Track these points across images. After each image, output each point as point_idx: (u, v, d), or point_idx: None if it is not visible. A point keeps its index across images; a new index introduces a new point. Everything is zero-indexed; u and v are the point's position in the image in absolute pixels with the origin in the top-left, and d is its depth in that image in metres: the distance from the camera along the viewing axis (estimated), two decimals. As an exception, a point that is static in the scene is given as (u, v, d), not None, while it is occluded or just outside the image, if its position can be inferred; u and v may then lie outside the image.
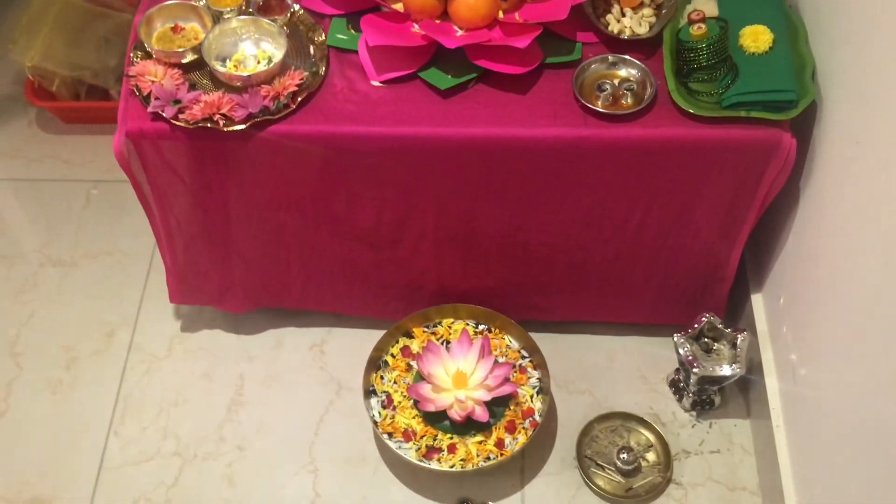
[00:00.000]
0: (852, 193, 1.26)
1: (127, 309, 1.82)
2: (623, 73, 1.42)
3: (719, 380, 1.56)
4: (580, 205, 1.49)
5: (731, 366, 1.53)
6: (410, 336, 1.68)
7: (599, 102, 1.38)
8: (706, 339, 1.58)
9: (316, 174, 1.45)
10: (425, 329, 1.68)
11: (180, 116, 1.36)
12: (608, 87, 1.39)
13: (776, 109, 1.33)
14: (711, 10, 1.45)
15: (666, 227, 1.52)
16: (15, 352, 1.77)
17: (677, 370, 1.67)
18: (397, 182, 1.46)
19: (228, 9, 1.45)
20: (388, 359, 1.65)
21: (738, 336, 1.54)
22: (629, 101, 1.38)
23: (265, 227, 1.57)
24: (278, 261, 1.64)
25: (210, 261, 1.64)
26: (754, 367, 1.58)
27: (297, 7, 1.48)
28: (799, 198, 1.45)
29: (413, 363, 1.64)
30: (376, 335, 1.66)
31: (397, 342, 1.67)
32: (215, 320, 1.80)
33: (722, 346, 1.57)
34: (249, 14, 1.45)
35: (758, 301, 1.62)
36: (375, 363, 1.64)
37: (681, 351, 1.54)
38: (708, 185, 1.42)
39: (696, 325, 1.57)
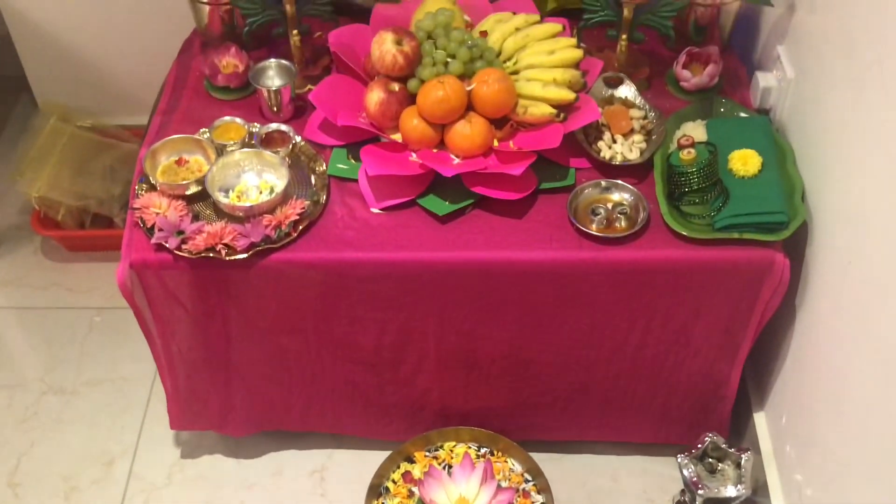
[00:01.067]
0: (847, 312, 1.27)
1: (127, 437, 1.81)
2: (616, 197, 1.46)
3: (725, 501, 1.53)
4: (579, 325, 1.50)
5: (736, 486, 1.51)
6: (412, 461, 1.66)
7: (594, 226, 1.41)
8: (710, 460, 1.56)
9: (317, 299, 1.47)
10: (427, 453, 1.67)
11: (183, 247, 1.38)
12: (602, 210, 1.42)
13: (768, 231, 1.36)
14: (700, 135, 1.49)
15: (665, 347, 1.52)
16: (14, 482, 1.75)
17: (682, 491, 1.65)
18: (398, 305, 1.48)
19: (232, 142, 1.49)
20: (390, 485, 1.63)
21: (742, 456, 1.53)
22: (623, 224, 1.41)
23: (266, 351, 1.57)
24: (280, 384, 1.64)
25: (211, 386, 1.64)
26: (760, 487, 1.56)
27: (298, 139, 1.53)
28: (795, 316, 1.46)
29: (415, 489, 1.62)
30: (378, 457, 1.64)
31: (398, 467, 1.65)
32: (216, 446, 1.79)
33: (726, 466, 1.56)
34: (252, 146, 1.49)
35: (760, 419, 1.61)
36: (377, 490, 1.62)
37: (685, 472, 1.53)
38: (704, 305, 1.44)
39: (699, 446, 1.55)
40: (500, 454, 1.66)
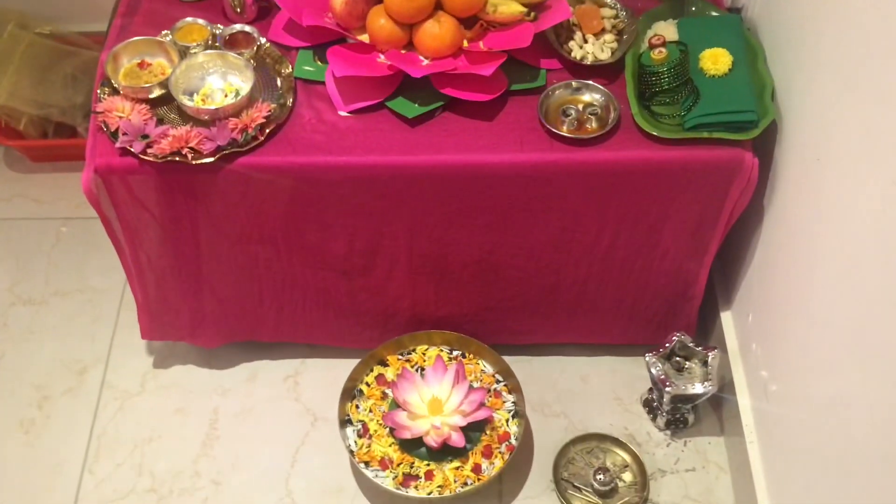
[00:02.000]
0: (814, 210, 1.28)
1: (98, 347, 1.81)
2: (587, 97, 1.45)
3: (692, 398, 1.57)
4: (549, 228, 1.50)
5: (702, 384, 1.54)
6: (385, 364, 1.68)
7: (564, 127, 1.40)
8: (678, 359, 1.59)
9: (286, 205, 1.46)
10: (400, 357, 1.69)
11: (148, 151, 1.36)
12: (573, 111, 1.41)
13: (737, 130, 1.36)
14: (671, 34, 1.47)
15: (634, 249, 1.53)
16: (-15, 393, 1.76)
17: (650, 390, 1.69)
18: (368, 210, 1.47)
19: (195, 44, 1.46)
20: (363, 388, 1.65)
21: (709, 354, 1.56)
22: (594, 125, 1.40)
23: (236, 259, 1.57)
24: (250, 293, 1.64)
25: (181, 295, 1.63)
26: (726, 385, 1.60)
27: (263, 40, 1.49)
28: (763, 216, 1.47)
29: (388, 391, 1.64)
30: (350, 364, 1.66)
31: (372, 371, 1.67)
32: (188, 355, 1.79)
33: (693, 365, 1.59)
34: (216, 48, 1.46)
35: (727, 319, 1.64)
36: (350, 392, 1.64)
37: (653, 370, 1.56)
38: (673, 205, 1.44)
39: (667, 345, 1.58)
40: (471, 356, 1.68)
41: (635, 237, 1.51)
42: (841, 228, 1.19)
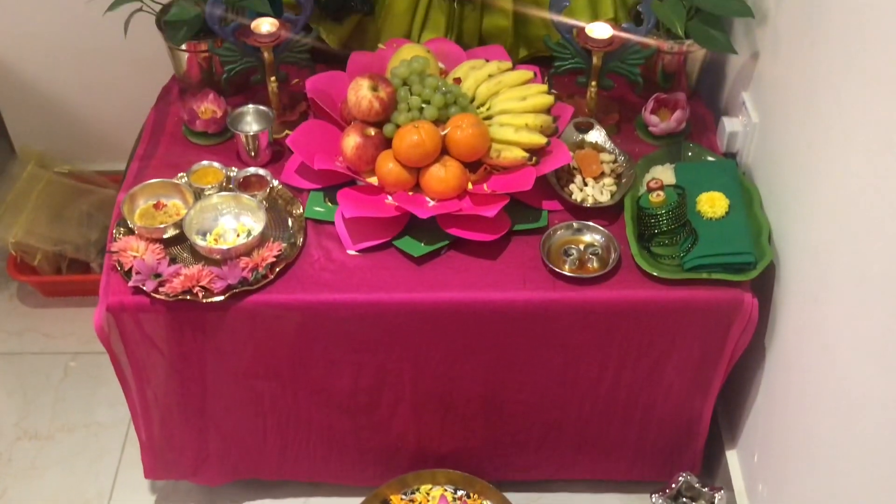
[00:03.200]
0: (814, 350, 1.30)
1: (102, 483, 1.80)
2: (588, 238, 1.49)
3: (700, 540, 1.55)
4: (553, 365, 1.52)
5: (710, 525, 1.52)
6: None
7: (567, 266, 1.43)
8: (684, 499, 1.58)
9: (293, 342, 1.48)
10: (403, 496, 1.67)
11: (160, 290, 1.39)
12: (574, 251, 1.45)
13: (736, 271, 1.39)
14: (669, 178, 1.53)
15: (638, 386, 1.54)
16: (-16, 530, 1.74)
17: (658, 531, 1.66)
18: (374, 347, 1.49)
19: (210, 186, 1.51)
20: (367, 527, 1.63)
21: (716, 495, 1.54)
22: (595, 265, 1.44)
23: (242, 396, 1.58)
24: (254, 430, 1.64)
25: (186, 433, 1.63)
26: (735, 526, 1.57)
27: (276, 183, 1.55)
28: (765, 355, 1.48)
29: (392, 531, 1.62)
30: (354, 503, 1.64)
31: (375, 510, 1.65)
32: (190, 493, 1.77)
33: (701, 505, 1.57)
34: (230, 190, 1.51)
35: (733, 458, 1.63)
36: (354, 532, 1.62)
37: (660, 511, 1.54)
38: (675, 344, 1.46)
39: (673, 485, 1.57)
40: (476, 496, 1.66)
41: (638, 375, 1.52)
42: (840, 369, 1.20)
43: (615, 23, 1.65)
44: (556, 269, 1.42)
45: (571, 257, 1.44)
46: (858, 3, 1.17)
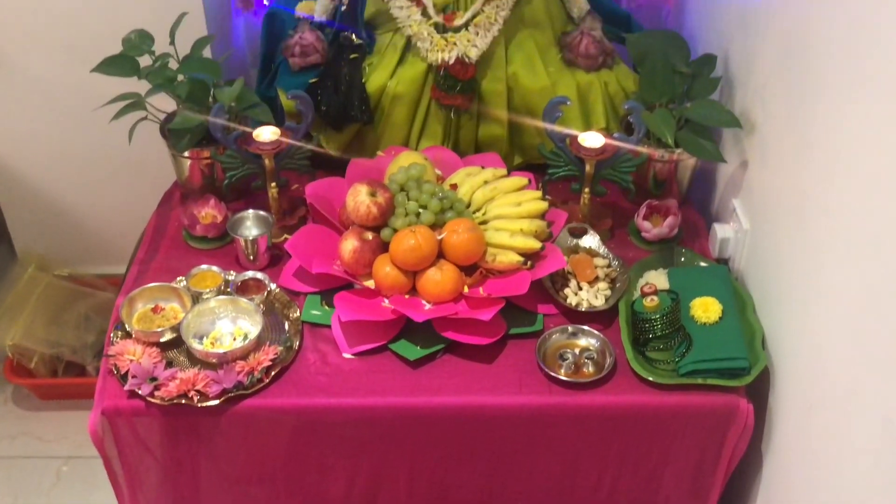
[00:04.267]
0: (810, 456, 1.29)
1: (88, 592, 1.76)
2: (583, 342, 1.49)
3: None
4: (551, 470, 1.50)
5: None
6: None
7: (562, 371, 1.44)
8: None
9: (288, 446, 1.47)
10: None
11: (156, 393, 1.39)
12: (570, 356, 1.46)
13: (731, 376, 1.39)
14: (662, 283, 1.55)
15: (636, 493, 1.52)
16: None
17: None
18: (369, 451, 1.48)
19: (208, 290, 1.53)
20: None
21: None
22: (590, 369, 1.44)
23: (236, 501, 1.55)
24: (247, 537, 1.62)
25: (178, 538, 1.61)
26: None
27: (273, 286, 1.56)
28: (762, 462, 1.47)
29: None
30: None
31: None
32: None
33: None
34: (228, 294, 1.53)
35: (734, 567, 1.60)
36: None
37: None
38: (673, 450, 1.45)
39: None
40: None
41: (636, 480, 1.51)
42: (836, 476, 1.20)
43: (607, 132, 1.69)
44: (553, 374, 1.42)
45: (567, 361, 1.44)
46: (841, 114, 1.21)
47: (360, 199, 1.53)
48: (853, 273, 1.17)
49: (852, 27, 1.18)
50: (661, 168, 1.70)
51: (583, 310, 1.52)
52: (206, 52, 1.71)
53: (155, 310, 1.51)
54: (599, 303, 1.53)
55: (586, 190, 1.65)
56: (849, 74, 1.19)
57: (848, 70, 1.19)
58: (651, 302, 1.46)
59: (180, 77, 1.65)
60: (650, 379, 1.40)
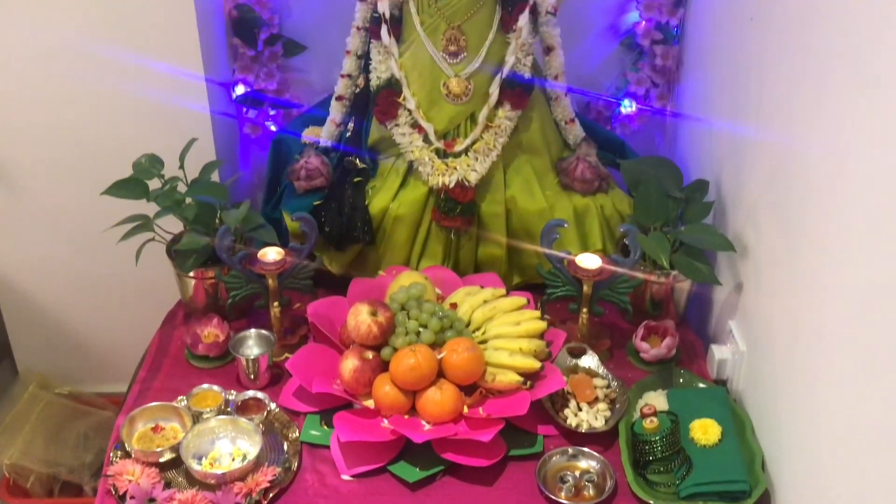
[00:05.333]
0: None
1: None
2: (583, 464, 1.49)
3: None
4: None
5: None
6: None
7: (563, 494, 1.43)
8: None
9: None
10: None
11: (153, 515, 1.38)
12: (570, 478, 1.45)
13: (731, 499, 1.38)
14: (661, 404, 1.55)
15: None
16: None
17: None
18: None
19: (208, 409, 1.53)
20: None
21: None
22: (591, 492, 1.43)
23: None
24: None
25: None
26: None
27: (273, 406, 1.57)
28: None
29: None
30: None
31: None
32: None
33: None
34: (228, 413, 1.53)
35: None
36: None
37: None
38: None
39: None
40: None
41: None
42: None
43: (604, 254, 1.73)
44: (553, 497, 1.41)
45: (567, 484, 1.44)
46: (829, 237, 1.24)
47: (361, 318, 1.55)
48: (850, 395, 1.18)
49: (831, 158, 1.23)
50: (658, 289, 1.73)
51: (583, 431, 1.52)
52: (214, 176, 1.76)
53: (155, 429, 1.51)
54: (599, 424, 1.53)
55: (584, 310, 1.67)
56: (832, 204, 1.23)
57: (832, 200, 1.24)
58: (651, 423, 1.47)
59: (188, 200, 1.70)
60: (651, 502, 1.39)
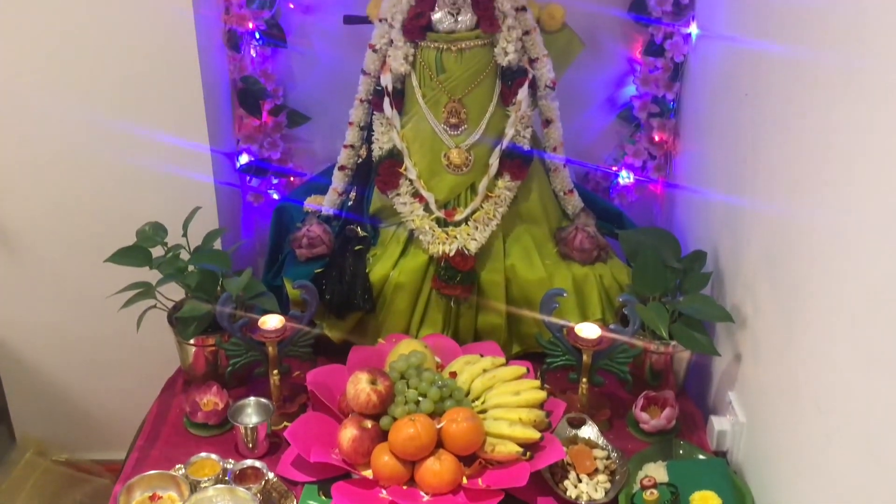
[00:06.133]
0: None
1: None
2: (584, 536, 1.48)
3: None
4: None
5: None
6: None
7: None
8: None
9: None
10: None
11: (148, 586, 1.37)
12: (570, 551, 1.44)
13: (734, 572, 1.37)
14: (661, 476, 1.54)
15: None
16: None
17: None
18: None
19: (206, 478, 1.52)
20: None
21: None
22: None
23: None
24: None
25: None
26: None
27: (271, 475, 1.56)
28: None
29: None
30: None
31: None
32: None
33: None
34: (226, 483, 1.52)
35: None
36: None
37: None
38: None
39: None
40: None
41: None
42: None
43: (603, 323, 1.74)
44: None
45: (567, 559, 1.42)
46: (825, 308, 1.26)
47: (360, 386, 1.55)
48: (852, 467, 1.17)
49: (826, 229, 1.25)
50: (657, 359, 1.73)
51: (583, 503, 1.51)
52: (217, 243, 1.78)
53: (153, 498, 1.50)
54: (599, 496, 1.52)
55: (584, 380, 1.67)
56: (828, 274, 1.25)
57: (828, 270, 1.25)
58: (651, 496, 1.46)
59: (191, 267, 1.71)
60: (652, 575, 1.38)
